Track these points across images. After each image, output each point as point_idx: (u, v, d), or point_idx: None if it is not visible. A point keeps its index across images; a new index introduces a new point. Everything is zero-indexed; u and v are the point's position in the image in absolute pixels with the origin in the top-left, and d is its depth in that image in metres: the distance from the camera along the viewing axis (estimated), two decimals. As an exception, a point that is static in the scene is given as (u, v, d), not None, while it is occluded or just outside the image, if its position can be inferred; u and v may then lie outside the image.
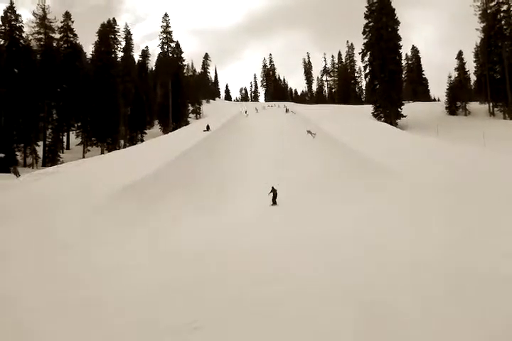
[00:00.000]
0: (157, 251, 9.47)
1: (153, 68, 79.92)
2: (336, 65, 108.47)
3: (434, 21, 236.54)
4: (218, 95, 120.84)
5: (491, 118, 49.87)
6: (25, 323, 5.74)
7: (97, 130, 50.39)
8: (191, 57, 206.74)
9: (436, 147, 20.82)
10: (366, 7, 52.37)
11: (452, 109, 54.93)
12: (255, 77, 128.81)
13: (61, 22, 53.09)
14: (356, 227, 10.21)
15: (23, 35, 47.41)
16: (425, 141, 24.40)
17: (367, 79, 57.73)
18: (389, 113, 49.80)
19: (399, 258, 7.44)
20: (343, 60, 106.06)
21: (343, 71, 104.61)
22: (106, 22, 57.66)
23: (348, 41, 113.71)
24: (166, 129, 59.51)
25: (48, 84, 46.72)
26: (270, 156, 23.20)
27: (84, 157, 44.05)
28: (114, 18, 59.57)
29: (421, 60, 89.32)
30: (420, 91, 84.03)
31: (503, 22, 50.24)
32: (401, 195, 12.55)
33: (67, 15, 54.14)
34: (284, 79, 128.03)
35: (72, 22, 54.23)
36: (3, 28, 45.68)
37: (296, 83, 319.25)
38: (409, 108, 51.74)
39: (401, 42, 51.16)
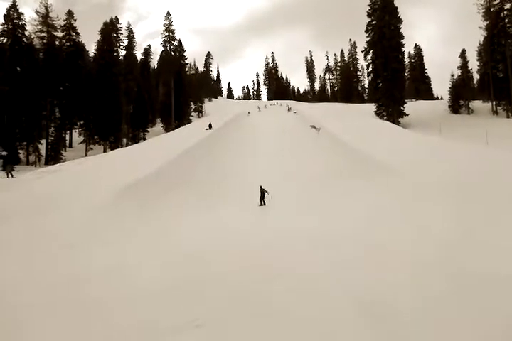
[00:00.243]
0: (158, 249, 9.47)
1: (156, 66, 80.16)
2: (339, 64, 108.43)
3: (436, 19, 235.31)
4: (220, 94, 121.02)
5: (494, 117, 49.70)
6: (26, 323, 5.77)
7: (100, 128, 50.55)
8: (193, 55, 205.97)
9: (439, 146, 20.68)
10: (369, 5, 52.36)
11: (455, 107, 54.82)
12: (258, 76, 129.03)
13: (63, 20, 53.37)
14: (357, 226, 10.17)
15: (26, 33, 47.71)
16: (428, 139, 24.25)
17: (369, 77, 57.66)
18: (391, 111, 49.70)
19: (399, 258, 7.43)
20: (346, 59, 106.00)
21: (346, 69, 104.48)
22: (108, 20, 57.98)
23: (350, 39, 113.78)
24: (168, 128, 59.57)
25: (50, 83, 46.88)
26: (272, 155, 23.16)
27: (86, 155, 44.17)
28: (116, 17, 60.00)
29: (424, 58, 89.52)
30: (423, 89, 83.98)
31: (506, 20, 49.98)
32: (403, 194, 12.50)
33: (70, 14, 54.29)
34: (286, 78, 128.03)
35: (75, 20, 54.46)
36: (5, 26, 45.87)
37: (299, 81, 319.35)
38: (411, 106, 51.60)
39: (404, 41, 51.17)
